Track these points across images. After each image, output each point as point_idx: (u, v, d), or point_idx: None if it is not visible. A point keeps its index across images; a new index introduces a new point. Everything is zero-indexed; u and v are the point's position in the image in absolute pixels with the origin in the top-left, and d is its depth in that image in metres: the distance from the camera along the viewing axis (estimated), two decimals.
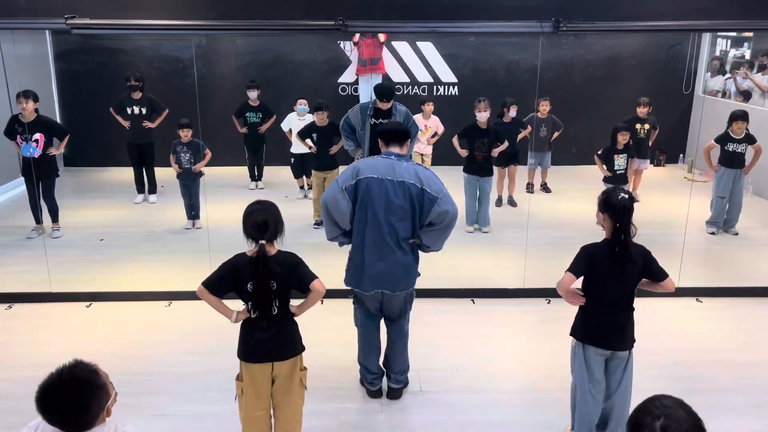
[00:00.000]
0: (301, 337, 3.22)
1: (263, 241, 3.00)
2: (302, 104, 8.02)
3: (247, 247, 3.09)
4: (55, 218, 6.85)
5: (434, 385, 4.15)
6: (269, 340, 3.07)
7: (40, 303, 5.30)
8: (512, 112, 7.70)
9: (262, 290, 3.00)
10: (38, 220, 6.82)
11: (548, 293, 5.33)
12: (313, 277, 3.10)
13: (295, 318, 3.19)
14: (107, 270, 5.97)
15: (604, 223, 3.24)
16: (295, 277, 3.07)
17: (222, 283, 3.07)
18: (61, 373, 1.93)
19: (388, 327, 3.97)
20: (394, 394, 4.02)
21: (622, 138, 6.99)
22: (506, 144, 7.06)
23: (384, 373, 4.05)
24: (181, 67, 9.68)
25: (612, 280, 3.22)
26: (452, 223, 3.60)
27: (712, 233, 7.01)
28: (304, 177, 8.27)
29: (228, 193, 8.25)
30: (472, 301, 5.38)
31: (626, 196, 3.17)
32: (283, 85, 9.53)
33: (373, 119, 5.95)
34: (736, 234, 7.00)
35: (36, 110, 6.56)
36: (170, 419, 3.81)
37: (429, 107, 8.13)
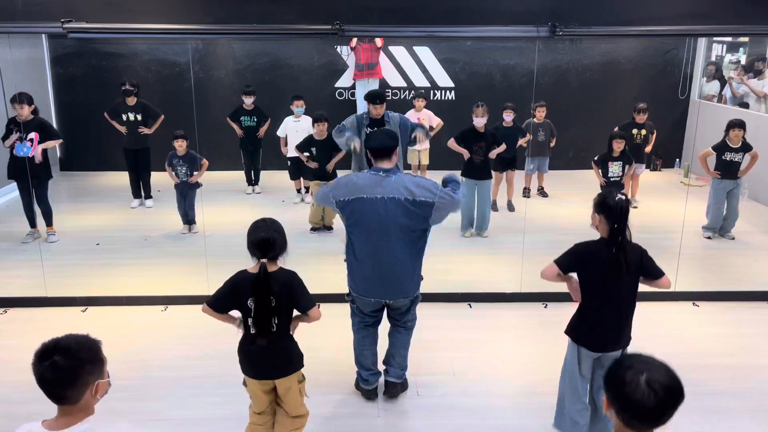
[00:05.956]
0: (301, 353, 3.24)
1: (264, 260, 3.01)
2: (298, 106, 8.00)
3: (243, 255, 3.09)
4: (49, 222, 6.80)
5: (431, 390, 4.14)
6: (268, 358, 3.09)
7: (36, 308, 5.28)
8: (506, 116, 7.70)
9: (262, 307, 3.01)
10: (33, 224, 6.80)
11: (545, 297, 5.33)
12: (311, 304, 3.11)
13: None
14: (103, 274, 5.95)
15: (600, 225, 3.25)
16: (292, 298, 3.08)
17: (224, 301, 3.12)
18: (69, 335, 2.01)
19: (391, 323, 3.97)
20: (391, 390, 4.01)
21: (617, 146, 7.00)
22: (503, 146, 7.06)
23: (380, 373, 4.04)
24: (178, 72, 9.68)
25: (608, 280, 3.21)
26: (457, 206, 3.71)
27: (708, 238, 7.03)
28: (302, 179, 8.26)
29: (224, 198, 8.26)
30: (469, 305, 5.37)
31: (623, 197, 3.19)
32: (280, 89, 9.53)
33: (368, 129, 5.94)
34: (733, 238, 7.01)
35: (34, 112, 6.49)
36: (166, 424, 3.79)
37: (420, 102, 8.36)
